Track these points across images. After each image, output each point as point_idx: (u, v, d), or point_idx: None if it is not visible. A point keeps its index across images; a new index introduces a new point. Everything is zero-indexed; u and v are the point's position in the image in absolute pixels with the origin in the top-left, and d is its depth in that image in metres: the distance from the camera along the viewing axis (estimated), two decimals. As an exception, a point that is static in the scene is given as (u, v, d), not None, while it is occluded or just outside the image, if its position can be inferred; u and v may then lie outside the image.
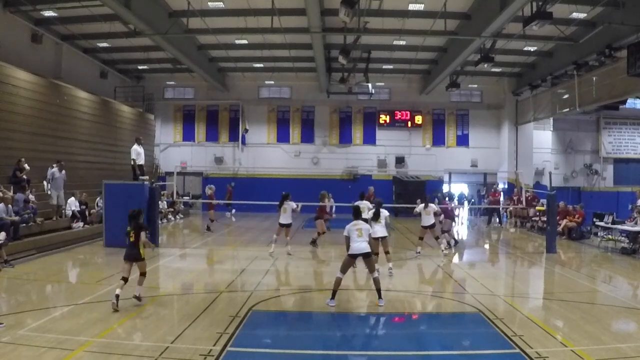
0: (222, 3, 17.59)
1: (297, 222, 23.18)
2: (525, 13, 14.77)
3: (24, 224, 13.55)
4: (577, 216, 18.34)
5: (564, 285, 10.90)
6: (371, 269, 8.69)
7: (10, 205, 12.91)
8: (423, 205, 14.10)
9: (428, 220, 13.89)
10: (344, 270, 8.65)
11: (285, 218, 13.83)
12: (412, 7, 17.53)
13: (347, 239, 8.66)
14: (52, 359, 5.85)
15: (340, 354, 6.61)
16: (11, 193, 13.98)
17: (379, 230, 11.12)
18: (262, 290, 9.78)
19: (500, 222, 23.39)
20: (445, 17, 17.29)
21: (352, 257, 8.65)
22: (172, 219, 23.23)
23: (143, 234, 8.27)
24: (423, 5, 17.42)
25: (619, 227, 15.69)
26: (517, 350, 6.41)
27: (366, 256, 8.56)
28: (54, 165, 16.18)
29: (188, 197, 26.17)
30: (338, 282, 8.56)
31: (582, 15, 17.25)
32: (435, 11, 17.26)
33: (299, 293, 9.90)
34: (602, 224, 16.89)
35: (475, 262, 14.04)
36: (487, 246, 18.04)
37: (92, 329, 6.93)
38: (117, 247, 13.95)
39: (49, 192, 15.74)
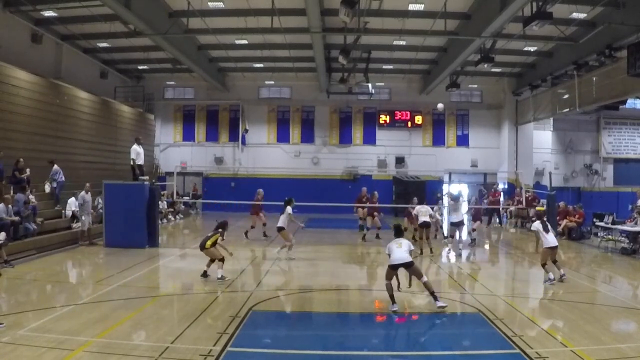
0: (222, 3, 17.58)
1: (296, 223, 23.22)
2: (525, 13, 14.76)
3: (24, 223, 13.52)
4: (577, 216, 18.34)
5: (564, 286, 10.89)
6: (418, 276, 8.38)
7: (10, 206, 12.91)
8: (452, 201, 14.48)
9: (458, 217, 14.38)
10: (388, 278, 8.39)
11: (280, 221, 13.53)
12: (412, 7, 17.52)
13: (389, 257, 8.45)
14: (52, 359, 5.85)
15: (340, 354, 6.60)
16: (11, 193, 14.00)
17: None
18: (262, 290, 9.78)
19: (500, 222, 23.38)
20: (445, 17, 17.28)
21: (393, 268, 8.36)
22: (172, 219, 23.22)
23: (219, 237, 10.70)
24: (423, 5, 17.41)
25: (619, 227, 15.67)
26: (517, 351, 6.41)
27: (408, 265, 8.31)
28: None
29: (188, 197, 26.17)
30: (389, 287, 8.34)
31: (582, 15, 17.25)
32: (435, 11, 17.26)
33: (299, 293, 9.90)
34: (602, 224, 16.87)
35: (475, 262, 14.04)
36: (487, 246, 18.03)
37: (92, 329, 6.93)
38: (117, 247, 14.03)
39: (82, 218, 15.16)
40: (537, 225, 11.02)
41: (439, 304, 8.23)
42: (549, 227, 10.97)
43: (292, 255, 13.40)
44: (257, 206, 17.52)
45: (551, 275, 10.58)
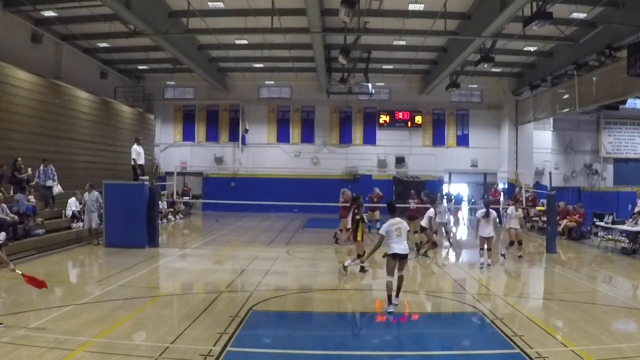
0: (222, 3, 17.58)
1: (297, 222, 23.27)
2: (525, 13, 14.76)
3: (32, 231, 13.58)
4: (577, 216, 18.34)
5: (564, 286, 10.90)
6: (401, 268, 8.37)
7: (4, 205, 12.87)
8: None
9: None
10: (391, 272, 8.28)
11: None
12: (412, 7, 17.52)
13: (382, 238, 8.38)
14: (52, 359, 5.85)
15: (340, 354, 6.61)
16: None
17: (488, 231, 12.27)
18: (262, 290, 9.77)
19: (500, 222, 23.32)
20: (445, 17, 17.28)
21: (394, 257, 8.26)
22: (172, 219, 23.22)
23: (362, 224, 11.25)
24: (423, 5, 17.41)
25: (619, 227, 15.70)
26: (517, 351, 6.41)
27: (402, 257, 8.32)
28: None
29: (188, 197, 26.18)
30: (390, 285, 8.23)
31: (582, 15, 17.24)
32: (435, 11, 17.26)
33: (299, 293, 9.90)
34: (602, 224, 16.89)
35: (475, 262, 14.02)
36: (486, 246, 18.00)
37: (92, 329, 6.93)
38: (117, 247, 14.04)
39: (82, 218, 15.46)
40: (480, 213, 12.65)
41: (390, 308, 8.11)
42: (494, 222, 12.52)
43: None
44: (345, 208, 14.91)
45: (482, 260, 12.36)
